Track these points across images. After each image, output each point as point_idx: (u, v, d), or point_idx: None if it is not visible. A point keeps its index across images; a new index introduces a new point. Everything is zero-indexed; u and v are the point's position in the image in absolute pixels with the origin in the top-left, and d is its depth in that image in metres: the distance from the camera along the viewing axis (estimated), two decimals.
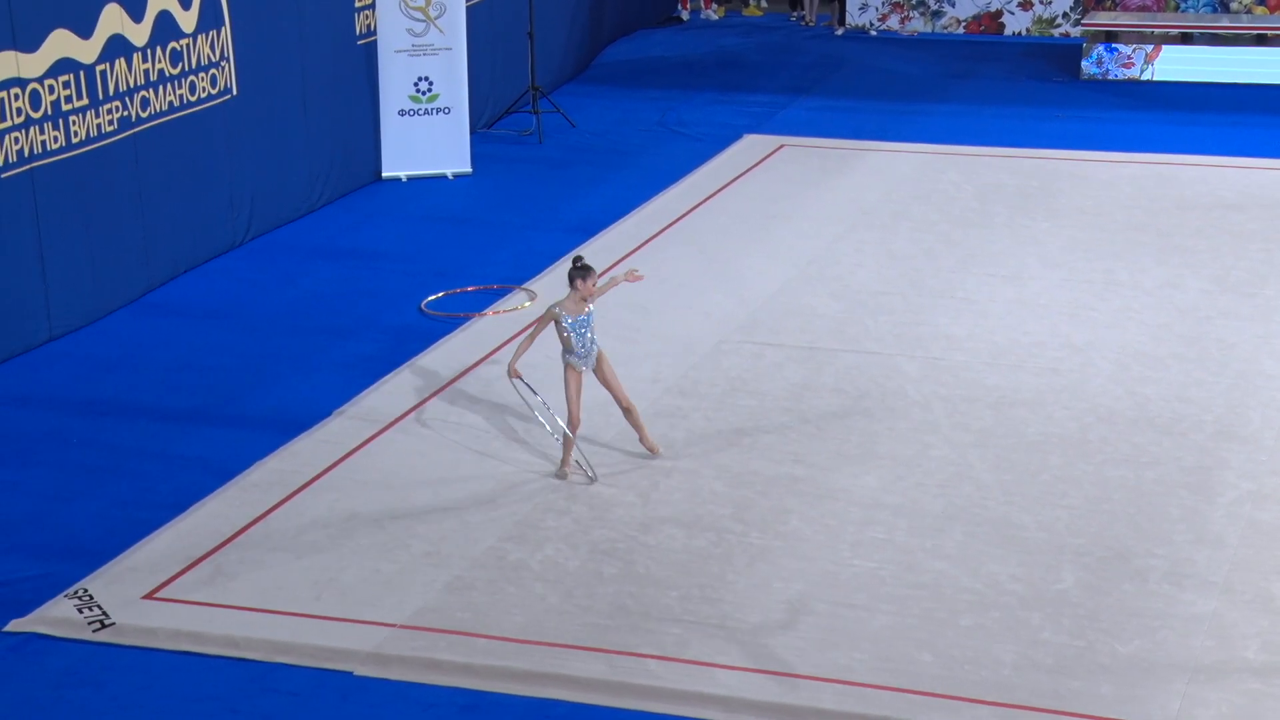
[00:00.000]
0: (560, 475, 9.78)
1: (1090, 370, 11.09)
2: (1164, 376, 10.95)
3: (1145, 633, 8.11)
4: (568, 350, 9.77)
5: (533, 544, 9.08)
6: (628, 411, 9.92)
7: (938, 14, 21.37)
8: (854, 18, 21.71)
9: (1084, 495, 9.45)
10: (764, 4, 23.44)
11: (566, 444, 9.80)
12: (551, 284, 12.96)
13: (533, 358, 10.32)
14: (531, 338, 9.86)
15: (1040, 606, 8.36)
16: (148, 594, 8.63)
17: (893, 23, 21.55)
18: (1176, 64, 18.71)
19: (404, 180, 15.75)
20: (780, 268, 13.24)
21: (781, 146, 16.59)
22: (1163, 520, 9.15)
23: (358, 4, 15.35)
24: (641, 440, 9.98)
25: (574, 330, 9.68)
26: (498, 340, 11.85)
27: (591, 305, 9.74)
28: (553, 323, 9.74)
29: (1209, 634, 8.08)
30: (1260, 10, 19.65)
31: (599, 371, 9.84)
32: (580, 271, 9.70)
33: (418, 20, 15.54)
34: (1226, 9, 19.78)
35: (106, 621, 8.38)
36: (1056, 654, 7.96)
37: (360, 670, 8.02)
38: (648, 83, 19.37)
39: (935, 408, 10.62)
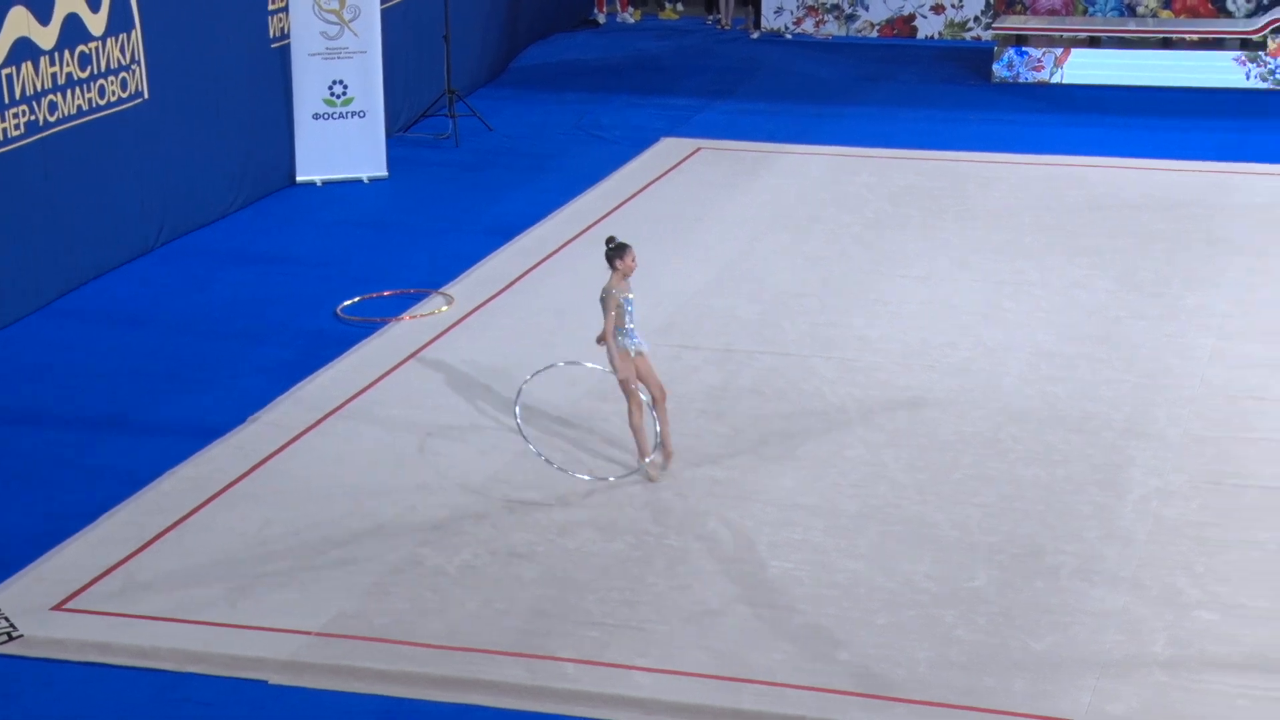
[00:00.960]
0: (649, 472, 9.62)
1: (1001, 370, 11.19)
2: (1073, 375, 11.07)
3: (1057, 629, 8.19)
4: (621, 333, 9.53)
5: (450, 549, 9.04)
6: (657, 402, 9.71)
7: (851, 18, 21.50)
8: (769, 21, 21.80)
9: (996, 493, 9.53)
10: (680, 7, 23.49)
11: (640, 432, 9.55)
12: (470, 287, 12.93)
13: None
14: (613, 323, 9.54)
15: (954, 604, 8.42)
16: (57, 605, 8.51)
17: (807, 26, 21.66)
18: (1085, 67, 18.93)
19: (319, 184, 15.64)
20: (697, 270, 13.26)
21: (698, 149, 16.63)
22: (1073, 517, 9.25)
23: (271, 6, 15.22)
24: (662, 436, 9.72)
25: (628, 306, 9.53)
26: (415, 345, 11.79)
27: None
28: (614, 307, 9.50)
29: (1118, 629, 8.17)
30: (1165, 14, 19.93)
31: (641, 357, 9.61)
32: (618, 250, 9.56)
33: (331, 23, 15.44)
34: (1133, 13, 20.04)
35: (14, 634, 8.24)
36: (971, 651, 8.02)
37: (275, 679, 7.94)
38: (565, 86, 19.35)
39: (850, 409, 10.68)
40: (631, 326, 9.61)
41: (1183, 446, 10.02)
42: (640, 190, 15.35)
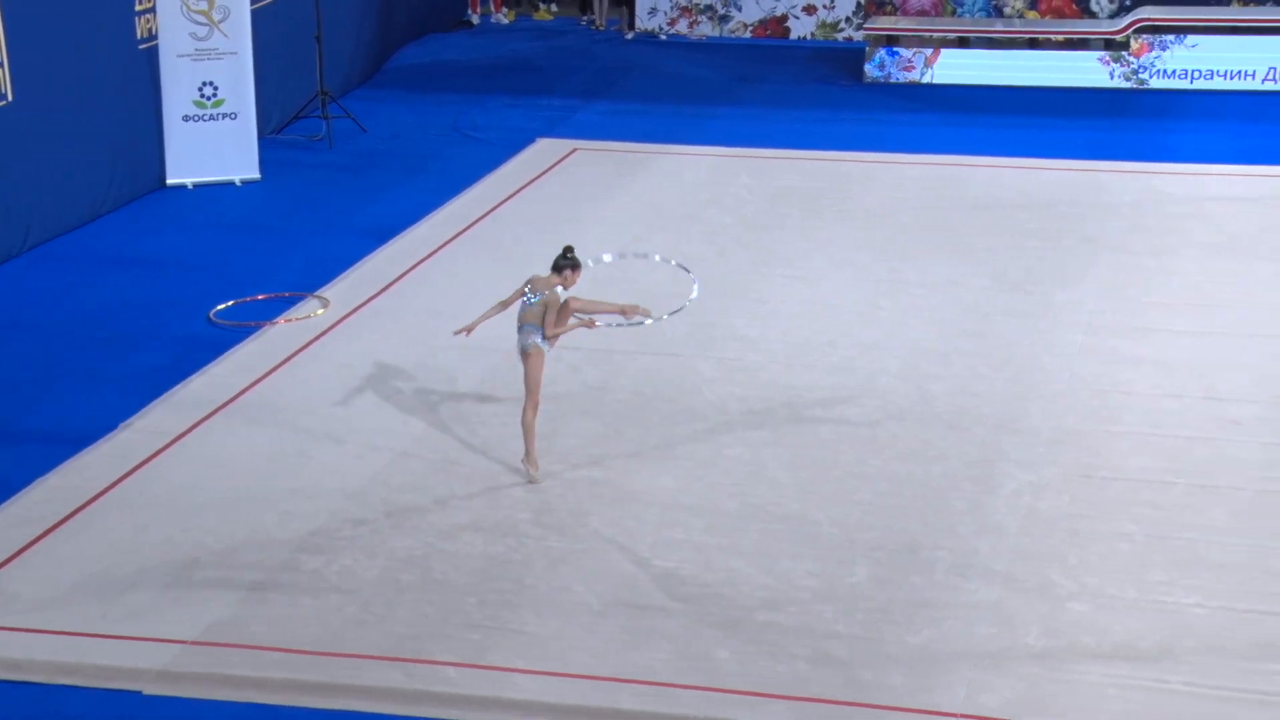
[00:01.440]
0: (532, 476, 9.65)
1: (879, 368, 11.31)
2: (949, 373, 11.22)
3: (933, 623, 8.30)
4: (537, 331, 9.55)
5: (329, 554, 8.96)
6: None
7: (725, 18, 21.62)
8: (643, 22, 21.86)
9: (874, 491, 9.64)
10: (554, 8, 23.48)
11: (531, 435, 9.67)
12: (345, 290, 12.82)
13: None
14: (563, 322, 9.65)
15: (833, 601, 8.50)
16: None
17: (681, 27, 21.74)
18: (955, 67, 19.20)
19: (190, 187, 15.43)
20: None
21: (575, 150, 16.62)
22: (948, 513, 9.38)
23: (138, 7, 14.99)
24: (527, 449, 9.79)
25: (531, 299, 9.57)
26: (290, 348, 11.67)
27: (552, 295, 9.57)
28: (548, 305, 9.56)
29: (992, 622, 8.29)
30: (1032, 15, 20.29)
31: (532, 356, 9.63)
32: (573, 263, 9.62)
33: (201, 24, 15.24)
34: (1000, 14, 20.37)
35: None
36: (849, 647, 8.10)
37: (149, 689, 7.82)
38: (439, 87, 19.25)
39: (731, 408, 10.73)
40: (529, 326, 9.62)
41: (1054, 441, 10.20)
42: (517, 191, 15.31)
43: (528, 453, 9.73)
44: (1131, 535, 9.08)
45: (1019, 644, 8.11)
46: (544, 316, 9.60)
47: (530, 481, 9.67)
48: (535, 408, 9.67)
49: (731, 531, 9.20)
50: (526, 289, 9.68)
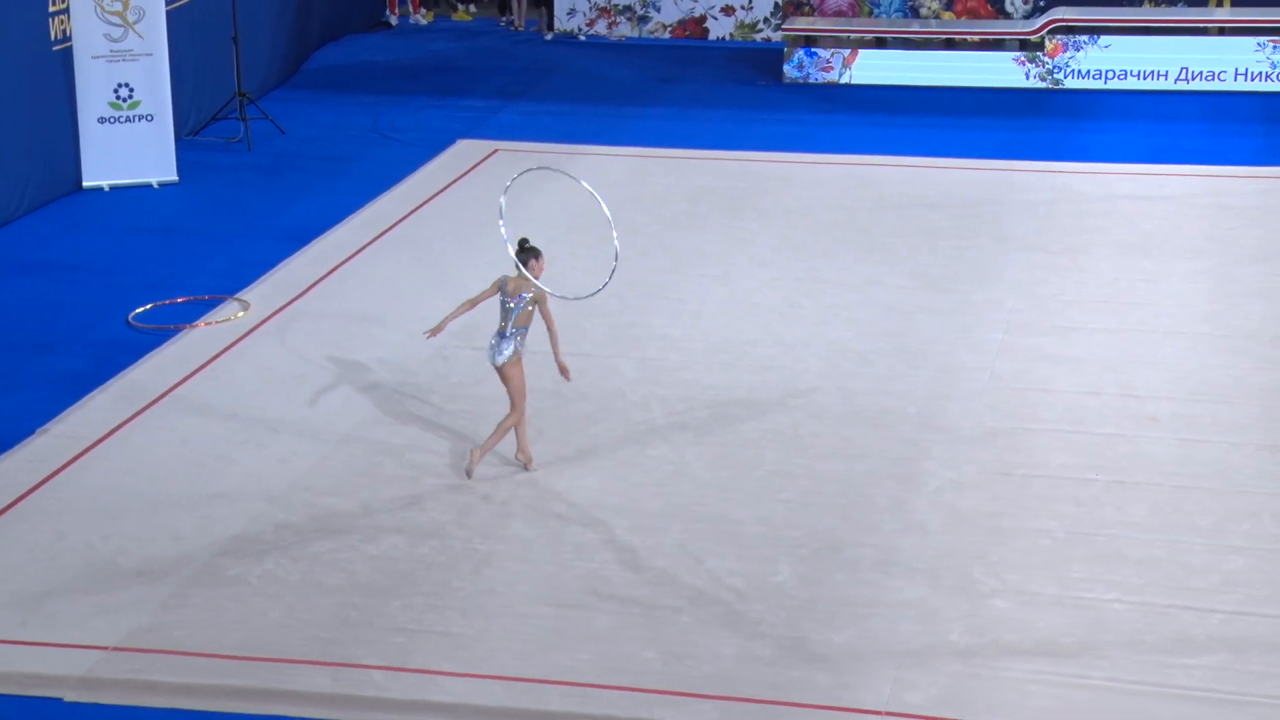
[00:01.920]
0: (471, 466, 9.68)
1: (801, 367, 11.37)
2: (870, 371, 11.29)
3: (857, 621, 8.35)
4: (521, 335, 9.56)
5: (251, 558, 8.89)
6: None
7: (644, 19, 21.64)
8: (562, 22, 21.83)
9: (798, 489, 9.68)
10: (473, 9, 23.40)
11: (522, 430, 9.70)
12: (266, 293, 12.72)
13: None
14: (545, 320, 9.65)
15: (759, 600, 8.53)
16: None
17: (600, 28, 21.74)
18: (872, 68, 19.31)
19: (106, 190, 15.24)
20: (496, 273, 13.11)
21: (495, 151, 16.58)
22: (871, 510, 9.44)
23: (51, 8, 14.79)
24: (488, 443, 9.79)
25: (513, 306, 9.56)
26: (210, 352, 11.57)
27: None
28: (538, 302, 9.58)
29: (916, 620, 8.36)
30: (947, 16, 20.46)
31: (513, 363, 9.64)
32: (534, 252, 9.60)
33: (115, 25, 15.05)
34: (916, 15, 20.53)
35: None
36: (775, 645, 8.14)
37: (71, 696, 7.73)
38: (358, 88, 19.14)
39: (653, 408, 10.75)
40: (512, 330, 9.59)
41: (975, 439, 10.29)
42: (438, 193, 15.25)
43: (484, 444, 9.74)
44: (1052, 532, 9.18)
45: (942, 641, 8.17)
46: (537, 314, 9.57)
47: (526, 469, 9.74)
48: (522, 416, 9.66)
49: (655, 532, 9.21)
50: (505, 293, 9.59)
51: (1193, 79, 18.58)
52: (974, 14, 20.43)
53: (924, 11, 20.54)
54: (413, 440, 10.26)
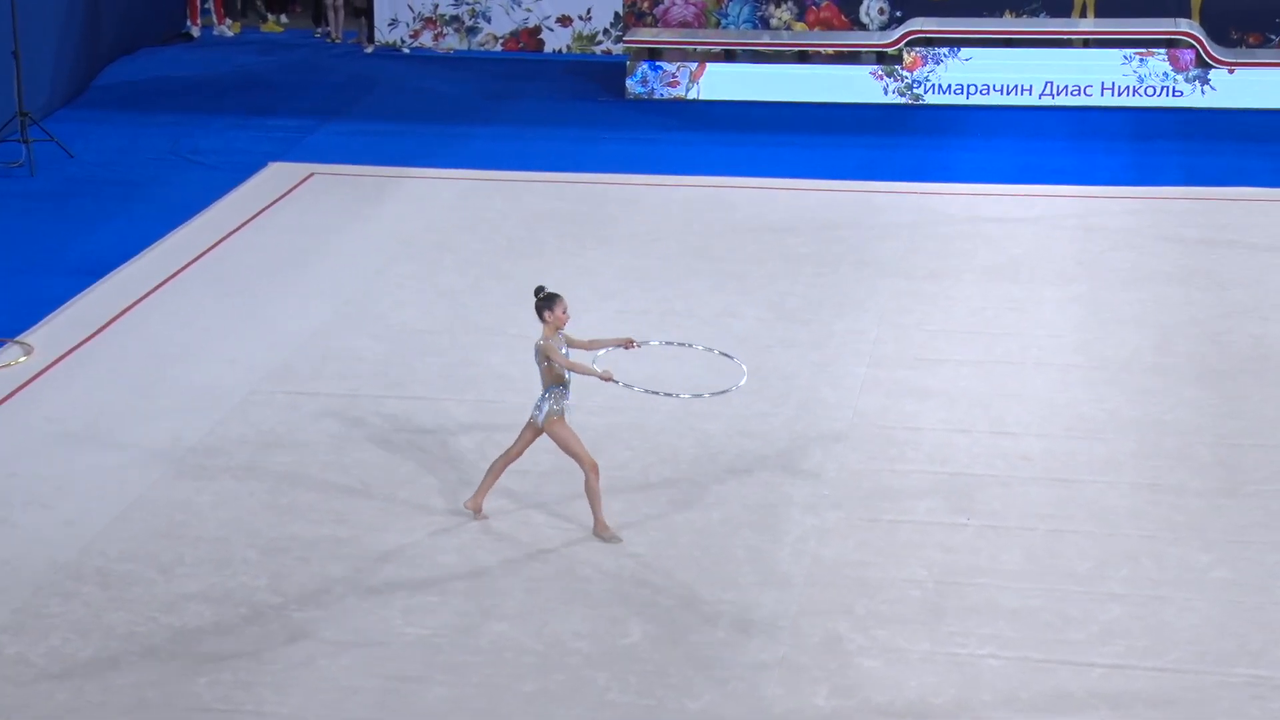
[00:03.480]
0: (609, 537, 9.51)
1: (650, 407, 11.29)
2: (725, 410, 11.25)
3: (715, 685, 8.26)
4: (561, 395, 9.40)
5: (35, 634, 8.59)
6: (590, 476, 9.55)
7: (473, 30, 21.54)
8: (383, 34, 21.65)
9: (649, 541, 9.59)
10: (284, 19, 23.13)
11: (596, 498, 9.49)
12: (52, 334, 12.38)
13: None
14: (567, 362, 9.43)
15: (607, 664, 8.42)
16: None
17: (426, 40, 21.60)
18: (721, 82, 19.41)
19: None
20: (315, 308, 13.00)
21: (311, 175, 16.37)
22: (729, 562, 9.38)
23: None
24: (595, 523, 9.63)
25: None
26: None
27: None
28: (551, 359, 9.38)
29: (779, 681, 8.30)
30: (800, 27, 20.65)
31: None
32: (547, 301, 9.39)
33: None
34: (767, 26, 20.69)
35: None
36: (624, 715, 8.03)
37: None
38: (156, 106, 18.82)
39: (490, 454, 10.59)
40: (546, 392, 9.48)
41: (839, 482, 10.29)
42: (248, 221, 15.00)
43: (595, 520, 9.56)
44: (922, 582, 9.18)
45: (808, 705, 8.12)
46: (553, 367, 9.41)
47: (613, 541, 9.49)
48: (594, 470, 9.46)
49: (493, 592, 9.06)
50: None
51: (1058, 94, 18.95)
52: (827, 25, 20.65)
53: (775, 23, 20.71)
54: (220, 495, 10.02)
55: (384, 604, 8.94)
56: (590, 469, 9.53)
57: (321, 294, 13.33)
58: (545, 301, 9.56)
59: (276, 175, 16.35)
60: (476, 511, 9.76)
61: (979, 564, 9.37)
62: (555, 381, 9.53)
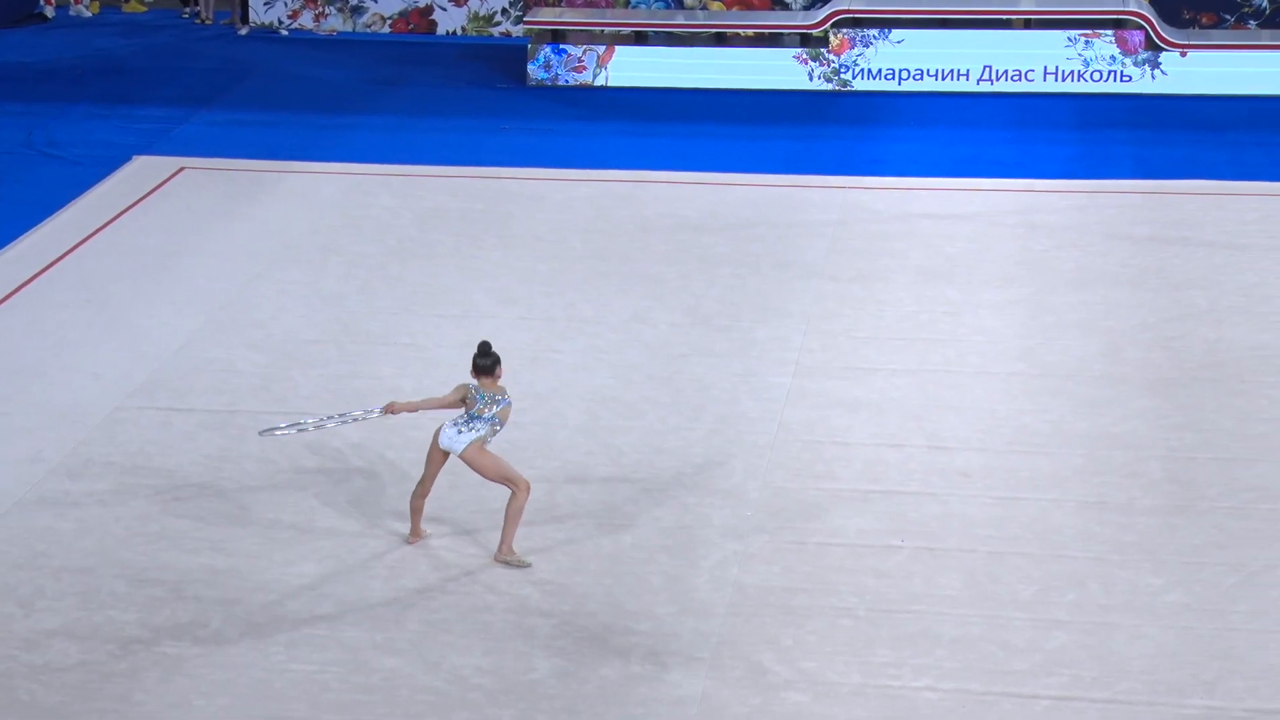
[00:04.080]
0: (516, 561, 9.65)
1: (557, 421, 11.38)
2: (638, 425, 11.36)
3: None
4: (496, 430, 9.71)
5: None
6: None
7: (358, 10, 21.56)
8: (259, 15, 21.62)
9: (555, 567, 9.67)
10: None
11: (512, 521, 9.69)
12: None
13: None
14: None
15: (511, 702, 8.49)
16: None
17: (306, 20, 21.59)
18: (632, 67, 19.52)
19: None
20: (186, 316, 12.98)
21: (181, 170, 16.32)
22: (643, 590, 9.48)
23: None
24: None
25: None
26: None
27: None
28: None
29: (698, 719, 8.40)
30: (717, 6, 20.79)
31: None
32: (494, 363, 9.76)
33: None
34: (681, 5, 20.82)
35: None
36: None
37: None
38: (8, 94, 18.70)
39: (382, 474, 10.65)
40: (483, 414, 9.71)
41: (762, 502, 10.41)
42: (111, 221, 14.95)
43: (503, 541, 9.70)
44: (853, 610, 9.32)
45: None
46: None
47: (520, 566, 9.61)
48: (523, 489, 9.62)
49: (386, 624, 9.11)
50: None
51: (997, 79, 19.18)
52: (747, 4, 20.80)
53: (690, 2, 20.84)
54: (84, 522, 10.00)
55: (265, 639, 8.97)
56: (521, 489, 9.65)
57: (194, 301, 13.31)
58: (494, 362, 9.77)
59: (142, 170, 16.28)
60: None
61: (914, 590, 9.51)
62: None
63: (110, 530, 9.94)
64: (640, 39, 19.85)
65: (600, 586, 9.51)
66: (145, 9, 22.84)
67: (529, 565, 9.65)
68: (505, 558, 9.68)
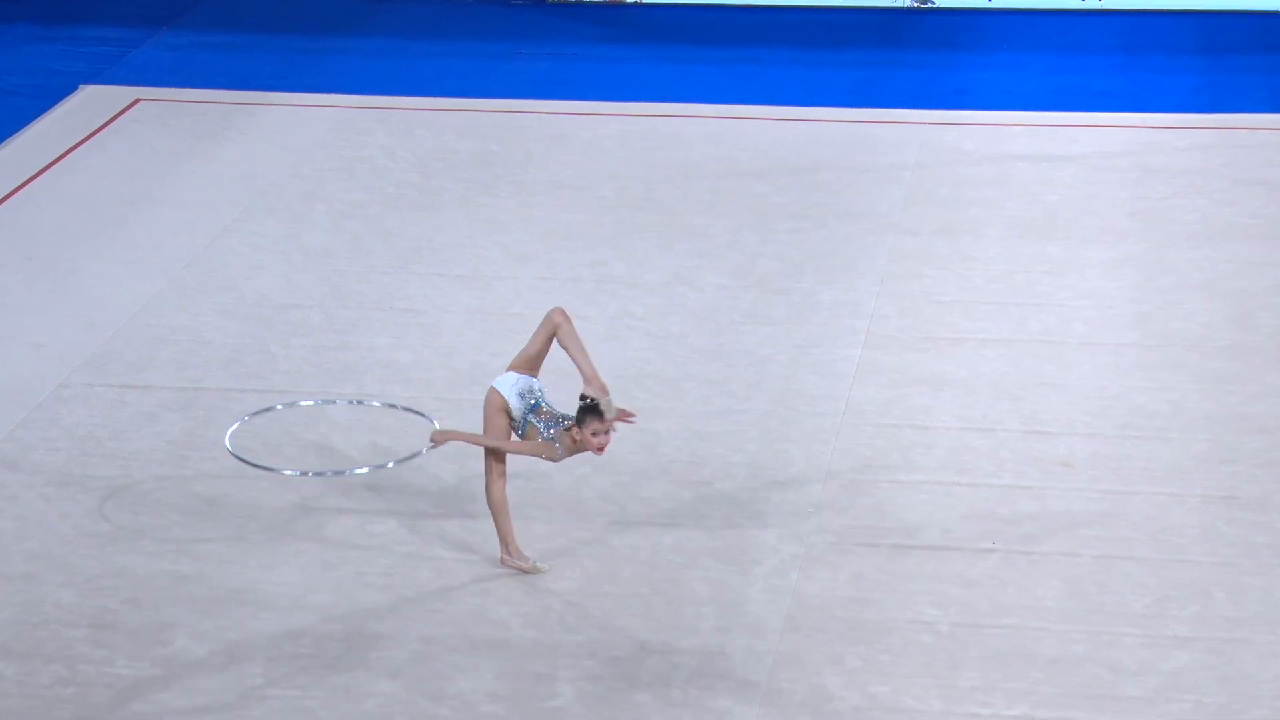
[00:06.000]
0: (528, 567, 9.70)
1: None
2: (679, 407, 11.36)
3: None
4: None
5: None
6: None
7: None
8: None
9: (582, 573, 9.70)
10: None
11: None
12: None
13: None
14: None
15: None
16: None
17: None
18: None
19: None
20: (144, 276, 13.03)
21: (137, 101, 16.37)
22: (686, 602, 9.49)
23: None
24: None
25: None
26: None
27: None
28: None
29: None
30: None
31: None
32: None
33: None
34: None
35: None
36: None
37: None
38: None
39: (374, 460, 10.67)
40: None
41: (826, 497, 10.41)
42: (55, 162, 15.02)
43: (505, 544, 9.71)
44: (934, 624, 9.32)
45: None
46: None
47: (532, 572, 9.65)
48: (494, 480, 9.56)
49: (381, 642, 9.15)
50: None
51: None
52: None
53: None
54: (24, 519, 10.09)
55: (239, 658, 9.02)
56: (494, 478, 9.62)
57: (153, 258, 13.35)
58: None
59: (91, 101, 16.35)
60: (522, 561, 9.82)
61: (1006, 601, 9.51)
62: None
63: (55, 529, 9.99)
64: None
65: (635, 596, 9.53)
66: None
67: (543, 570, 9.66)
68: (512, 562, 9.68)
